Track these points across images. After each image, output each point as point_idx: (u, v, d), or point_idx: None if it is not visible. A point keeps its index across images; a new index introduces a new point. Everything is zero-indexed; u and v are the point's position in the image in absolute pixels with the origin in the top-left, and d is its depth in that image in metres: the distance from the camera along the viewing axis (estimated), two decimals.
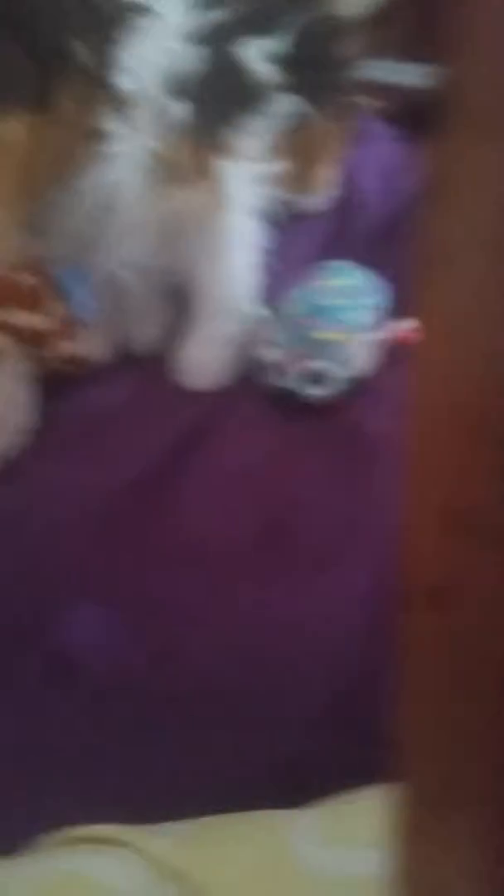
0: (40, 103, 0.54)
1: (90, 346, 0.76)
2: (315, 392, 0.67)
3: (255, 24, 0.63)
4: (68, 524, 0.64)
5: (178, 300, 0.76)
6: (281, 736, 0.51)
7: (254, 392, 0.71)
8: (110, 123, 0.57)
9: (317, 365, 0.66)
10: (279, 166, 0.70)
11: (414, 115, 0.80)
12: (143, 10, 0.56)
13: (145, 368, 0.77)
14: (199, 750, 0.51)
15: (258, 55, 0.64)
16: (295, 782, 0.46)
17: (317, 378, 0.67)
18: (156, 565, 0.61)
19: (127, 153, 0.59)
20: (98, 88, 0.56)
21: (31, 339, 0.75)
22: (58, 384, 0.77)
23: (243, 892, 0.36)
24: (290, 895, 0.36)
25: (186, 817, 0.43)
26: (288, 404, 0.68)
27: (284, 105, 0.69)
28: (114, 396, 0.75)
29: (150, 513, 0.64)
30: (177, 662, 0.54)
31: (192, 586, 0.58)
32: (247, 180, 0.67)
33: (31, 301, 0.75)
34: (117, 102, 0.58)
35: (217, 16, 0.60)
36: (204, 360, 0.73)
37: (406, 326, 0.70)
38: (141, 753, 0.51)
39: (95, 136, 0.58)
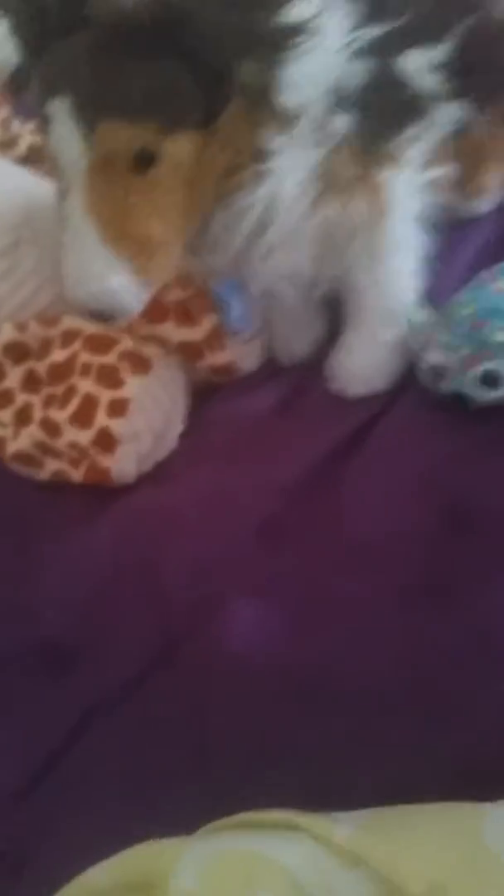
0: (207, 123, 0.57)
1: (241, 355, 0.79)
2: (491, 395, 0.65)
3: (417, 34, 0.64)
4: (222, 526, 0.66)
5: (333, 309, 0.77)
6: (462, 730, 0.50)
7: (418, 397, 0.70)
8: (274, 141, 0.60)
9: (493, 367, 0.65)
10: (443, 172, 0.70)
11: None
12: (307, 29, 0.59)
13: (296, 377, 0.78)
14: (373, 743, 0.50)
15: (421, 65, 0.64)
16: (478, 778, 0.44)
17: (492, 380, 0.65)
18: (318, 568, 0.61)
19: (289, 168, 0.61)
20: (262, 107, 0.59)
21: (182, 351, 0.79)
22: (209, 392, 0.79)
23: (435, 884, 0.34)
24: (486, 890, 0.35)
25: (361, 807, 0.41)
26: (459, 409, 0.67)
27: (449, 112, 0.69)
28: (265, 403, 0.76)
29: (308, 518, 0.65)
30: (344, 662, 0.54)
31: (359, 589, 0.58)
32: (410, 188, 0.68)
33: (183, 315, 0.78)
34: (281, 120, 0.60)
35: (379, 29, 0.62)
36: (362, 366, 0.72)
37: None
38: (309, 745, 0.51)
39: (259, 153, 0.61)
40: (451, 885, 0.35)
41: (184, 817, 0.44)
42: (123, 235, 0.56)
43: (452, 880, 0.35)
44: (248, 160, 0.59)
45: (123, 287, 0.56)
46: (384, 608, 0.57)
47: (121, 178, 0.55)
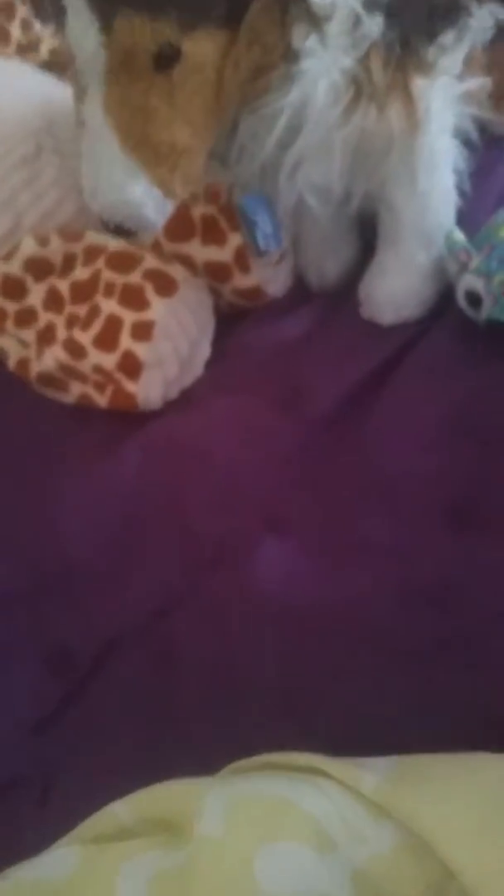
0: (232, 19, 0.51)
1: (268, 279, 0.74)
2: None
3: None
4: (248, 458, 0.62)
5: (365, 232, 0.72)
6: (490, 675, 0.46)
7: (453, 326, 0.65)
8: (303, 40, 0.54)
9: None
10: (479, 83, 0.63)
11: None
12: None
13: (325, 303, 0.73)
14: (397, 685, 0.47)
15: None
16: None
17: None
18: (345, 506, 0.57)
19: (319, 72, 0.55)
20: (291, 3, 0.53)
21: (209, 272, 0.74)
22: (234, 318, 0.75)
23: (467, 839, 0.31)
24: None
25: (387, 753, 0.39)
26: (496, 338, 0.62)
27: (485, 16, 0.63)
28: (293, 331, 0.71)
29: (335, 453, 0.61)
30: (370, 603, 0.51)
31: (388, 525, 0.54)
32: (444, 99, 0.61)
33: (210, 231, 0.73)
34: (311, 17, 0.54)
35: None
36: (395, 291, 0.67)
37: None
38: (334, 686, 0.48)
39: (287, 54, 0.54)
40: (480, 839, 0.33)
41: (207, 755, 0.42)
42: (145, 141, 0.50)
43: (482, 834, 0.33)
44: (277, 60, 0.53)
45: (145, 198, 0.51)
46: (411, 550, 0.54)
47: (141, 78, 0.50)
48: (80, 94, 0.53)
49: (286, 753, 0.39)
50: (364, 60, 0.56)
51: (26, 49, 0.87)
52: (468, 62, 0.63)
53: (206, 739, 0.48)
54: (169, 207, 0.53)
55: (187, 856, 0.33)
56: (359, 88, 0.57)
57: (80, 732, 0.52)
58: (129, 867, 0.34)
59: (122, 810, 0.39)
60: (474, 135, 0.66)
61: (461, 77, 0.63)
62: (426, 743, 0.39)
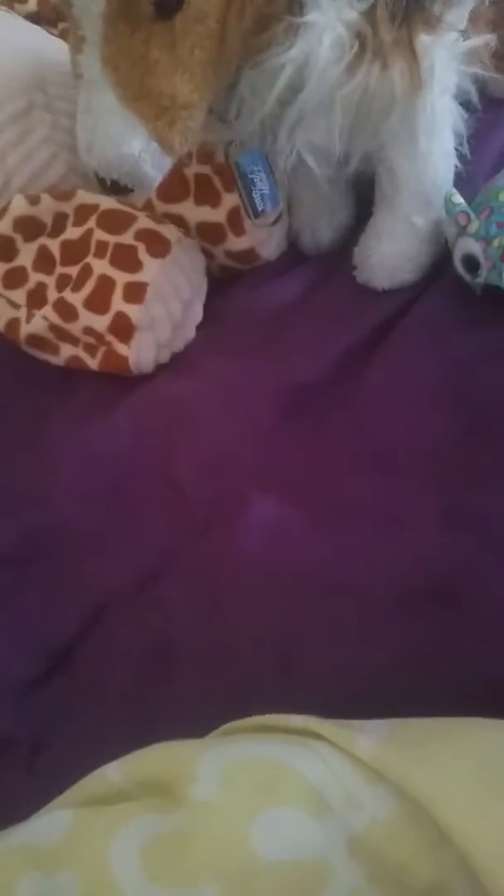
0: None
1: (262, 241, 0.72)
2: None
3: None
4: (241, 421, 0.60)
5: (361, 197, 0.70)
6: (482, 638, 0.45)
7: (449, 291, 0.63)
8: None
9: None
10: (483, 41, 0.61)
11: None
12: None
13: (320, 267, 0.71)
14: (390, 647, 0.46)
15: None
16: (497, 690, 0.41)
17: None
18: (338, 469, 0.56)
19: (324, 25, 0.53)
20: None
21: (202, 233, 0.72)
22: (227, 281, 0.73)
23: (464, 804, 0.30)
24: None
25: (383, 715, 0.38)
26: (493, 304, 0.60)
27: None
28: (286, 295, 0.69)
29: (328, 416, 0.59)
30: (361, 566, 0.50)
31: (380, 488, 0.53)
32: (448, 57, 0.59)
33: (202, 192, 0.70)
34: None
35: None
36: (392, 255, 0.65)
37: None
38: (326, 648, 0.47)
39: (292, 5, 0.52)
40: (476, 804, 0.32)
41: (199, 716, 0.41)
42: (144, 94, 0.48)
43: (478, 800, 0.32)
44: (281, 11, 0.50)
45: (143, 153, 0.48)
46: (405, 514, 0.52)
47: (140, 27, 0.47)
48: (76, 45, 0.49)
49: (281, 715, 0.38)
50: (370, 14, 0.53)
51: None
52: (473, 18, 0.61)
53: (199, 700, 0.47)
54: (167, 163, 0.51)
55: (182, 821, 0.32)
56: (363, 44, 0.54)
57: (70, 694, 0.51)
58: (122, 831, 0.33)
59: (114, 773, 0.38)
60: (475, 96, 0.64)
61: (465, 34, 0.60)
62: (420, 706, 0.38)
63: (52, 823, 0.36)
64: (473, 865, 0.30)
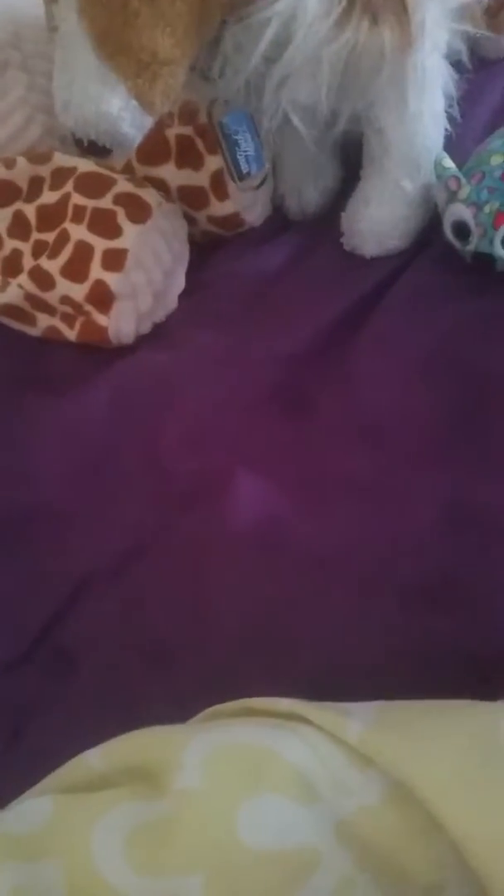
0: None
1: (246, 206, 0.69)
2: None
3: None
4: (225, 394, 0.59)
5: (348, 161, 0.67)
6: (470, 619, 0.45)
7: (438, 258, 0.61)
8: None
9: None
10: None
11: None
12: None
13: (306, 233, 0.69)
14: (377, 626, 0.45)
15: None
16: (485, 672, 0.41)
17: None
18: (326, 445, 0.54)
19: None
20: None
21: (183, 197, 0.69)
22: (210, 248, 0.71)
23: (454, 790, 0.30)
24: None
25: (371, 697, 0.37)
26: (484, 272, 0.58)
27: None
28: (272, 263, 0.67)
29: (316, 389, 0.58)
30: (350, 543, 0.48)
31: (369, 463, 0.51)
32: (439, 12, 0.56)
33: (184, 155, 0.68)
34: None
35: None
36: (380, 221, 0.63)
37: None
38: (313, 624, 0.46)
39: None
40: (466, 789, 0.31)
41: (183, 697, 0.40)
42: (124, 50, 0.45)
43: (468, 785, 0.31)
44: None
45: (122, 111, 0.46)
46: (396, 489, 0.51)
47: None
48: None
49: (267, 699, 0.37)
50: None
51: None
52: None
53: (183, 682, 0.46)
54: (147, 123, 0.48)
55: (166, 809, 0.32)
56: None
57: (50, 675, 0.49)
58: (105, 819, 0.32)
59: (96, 759, 0.37)
60: (465, 55, 0.62)
61: None
62: (408, 688, 0.38)
63: (32, 811, 0.35)
64: (464, 851, 0.30)
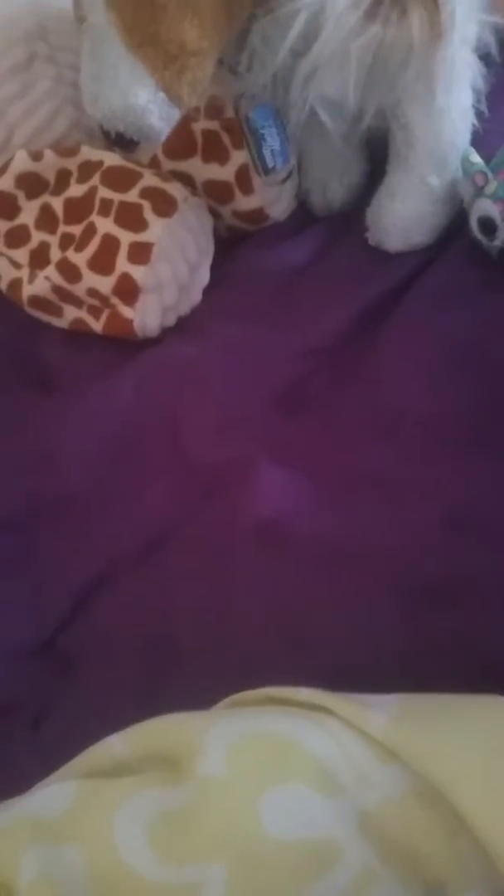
0: None
1: (271, 200, 0.69)
2: None
3: None
4: (248, 386, 0.59)
5: (375, 156, 0.67)
6: (494, 617, 0.44)
7: (464, 254, 0.60)
8: None
9: None
10: None
11: None
12: None
13: (330, 228, 0.68)
14: (403, 622, 0.45)
15: None
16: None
17: None
18: (349, 438, 0.54)
19: None
20: None
21: (209, 191, 0.69)
22: (234, 242, 0.70)
23: (479, 786, 0.30)
24: None
25: (389, 691, 0.36)
26: None
27: None
28: (296, 257, 0.66)
29: (339, 383, 0.57)
30: (374, 536, 0.48)
31: (392, 457, 0.51)
32: (469, 4, 0.55)
33: (212, 148, 0.67)
34: None
35: None
36: (405, 216, 0.62)
37: None
38: (335, 619, 0.46)
39: None
40: (492, 785, 0.31)
41: (205, 685, 0.40)
42: (151, 41, 0.45)
43: (493, 779, 0.31)
44: None
45: (150, 104, 0.46)
46: (417, 484, 0.51)
47: None
48: None
49: (289, 688, 0.37)
50: None
51: None
52: None
53: (204, 670, 0.46)
54: (175, 116, 0.48)
55: (189, 796, 0.32)
56: None
57: (74, 660, 0.50)
58: (128, 805, 0.32)
59: (119, 744, 0.37)
60: (494, 49, 0.61)
61: None
62: (427, 681, 0.37)
63: (55, 795, 0.35)
64: (487, 847, 0.29)
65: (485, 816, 0.30)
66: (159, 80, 0.46)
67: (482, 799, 0.30)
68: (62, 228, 0.65)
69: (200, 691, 0.39)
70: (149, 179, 0.63)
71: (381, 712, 0.34)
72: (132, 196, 0.63)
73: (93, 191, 0.64)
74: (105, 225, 0.62)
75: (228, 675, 0.40)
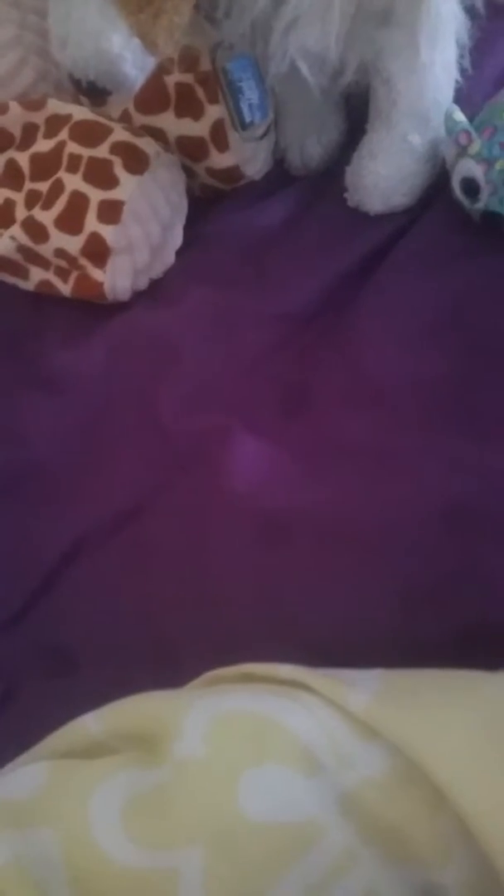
0: None
1: (246, 158, 0.66)
2: None
3: None
4: (224, 353, 0.57)
5: (353, 115, 0.65)
6: (478, 589, 0.43)
7: (445, 217, 0.58)
8: None
9: None
10: None
11: None
12: None
13: (308, 189, 0.66)
14: (382, 594, 0.43)
15: None
16: (488, 643, 0.40)
17: None
18: (329, 406, 0.52)
19: None
20: None
21: (182, 147, 0.66)
22: (209, 202, 0.68)
23: (461, 763, 0.29)
24: None
25: (373, 665, 0.36)
26: (492, 232, 0.56)
27: None
28: (272, 218, 0.64)
29: (317, 347, 0.56)
30: (353, 509, 0.47)
31: (372, 426, 0.50)
32: None
33: (183, 104, 0.65)
34: None
35: None
36: (386, 176, 0.60)
37: None
38: (316, 591, 0.45)
39: None
40: (474, 763, 0.30)
41: (182, 661, 0.39)
42: None
43: (476, 758, 0.30)
44: None
45: (123, 49, 0.43)
46: (397, 455, 0.49)
47: None
48: None
49: (268, 664, 0.36)
50: None
51: None
52: None
53: (182, 645, 0.45)
54: (150, 64, 0.46)
55: (165, 778, 0.30)
56: None
57: (45, 635, 0.48)
58: (103, 788, 0.31)
59: (93, 724, 0.35)
60: (478, 4, 0.59)
61: None
62: (419, 656, 0.36)
63: (28, 776, 0.34)
64: (471, 826, 0.29)
65: (468, 794, 0.29)
66: (133, 24, 0.43)
67: (466, 776, 0.29)
68: (28, 185, 0.62)
69: (178, 665, 0.38)
70: (119, 134, 0.61)
71: (363, 689, 0.33)
72: (102, 151, 0.60)
73: (61, 146, 0.61)
74: (73, 182, 0.60)
75: (208, 648, 0.39)
